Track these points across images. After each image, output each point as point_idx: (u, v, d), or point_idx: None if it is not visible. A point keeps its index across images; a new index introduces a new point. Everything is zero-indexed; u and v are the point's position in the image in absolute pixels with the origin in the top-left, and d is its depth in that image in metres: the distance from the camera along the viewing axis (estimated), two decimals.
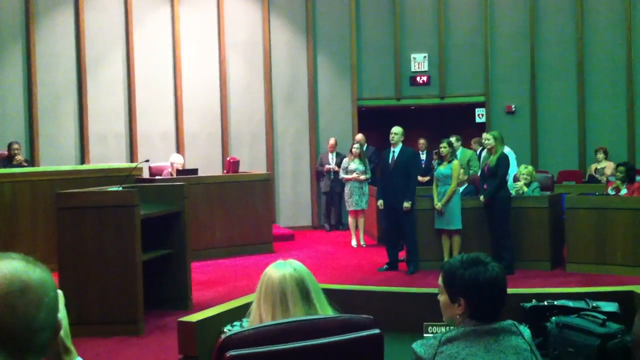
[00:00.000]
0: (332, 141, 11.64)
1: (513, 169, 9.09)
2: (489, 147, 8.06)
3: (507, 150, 9.32)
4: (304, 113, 12.22)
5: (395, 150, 8.14)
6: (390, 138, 8.18)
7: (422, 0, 12.44)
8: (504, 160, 7.92)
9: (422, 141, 11.60)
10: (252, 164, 11.65)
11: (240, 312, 3.21)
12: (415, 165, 8.53)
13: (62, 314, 1.33)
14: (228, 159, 10.59)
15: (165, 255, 6.37)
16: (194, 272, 6.91)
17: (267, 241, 9.64)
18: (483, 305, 2.23)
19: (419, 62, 12.45)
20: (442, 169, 8.13)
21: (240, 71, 11.94)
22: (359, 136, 11.03)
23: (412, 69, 12.47)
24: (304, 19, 12.20)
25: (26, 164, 9.43)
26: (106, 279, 5.69)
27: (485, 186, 7.98)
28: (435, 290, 3.63)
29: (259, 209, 9.62)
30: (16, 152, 9.39)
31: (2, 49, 10.59)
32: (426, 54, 12.43)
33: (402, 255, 8.35)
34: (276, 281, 2.45)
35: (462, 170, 8.41)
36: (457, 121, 12.96)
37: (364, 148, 10.36)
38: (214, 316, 3.32)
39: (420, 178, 9.54)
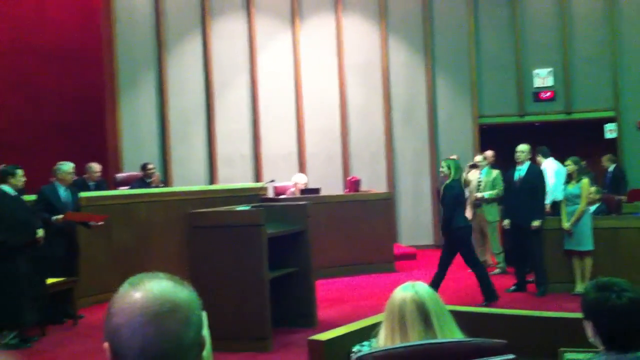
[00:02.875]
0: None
1: (558, 184, 8.49)
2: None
3: (551, 165, 8.88)
4: (423, 132, 12.15)
5: (522, 169, 7.95)
6: (516, 157, 8.00)
7: (543, 15, 12.10)
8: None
9: None
10: (372, 183, 11.67)
11: (369, 332, 3.23)
12: (543, 184, 8.25)
13: (205, 335, 1.38)
14: (349, 178, 10.69)
15: (290, 273, 6.50)
16: (317, 290, 7.00)
17: (389, 260, 9.62)
18: (609, 332, 2.14)
19: (542, 77, 12.09)
20: (571, 188, 7.81)
21: (359, 92, 12.07)
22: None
23: (535, 85, 12.13)
24: (421, 39, 12.17)
25: (162, 185, 9.90)
26: (234, 295, 5.85)
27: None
28: (570, 314, 3.51)
29: (380, 228, 9.64)
30: (152, 171, 9.77)
31: (136, 77, 11.29)
32: (551, 69, 12.05)
33: (530, 276, 8.08)
34: (396, 304, 2.45)
35: (593, 189, 8.05)
36: (585, 137, 12.43)
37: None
38: (342, 335, 3.36)
39: None
